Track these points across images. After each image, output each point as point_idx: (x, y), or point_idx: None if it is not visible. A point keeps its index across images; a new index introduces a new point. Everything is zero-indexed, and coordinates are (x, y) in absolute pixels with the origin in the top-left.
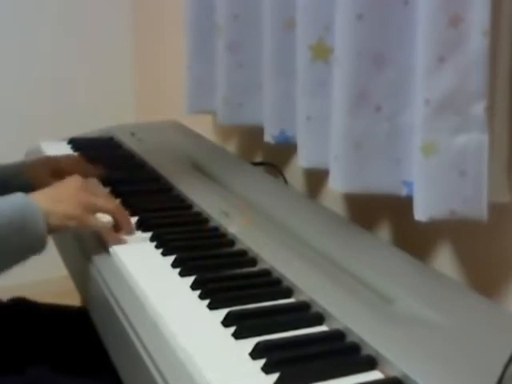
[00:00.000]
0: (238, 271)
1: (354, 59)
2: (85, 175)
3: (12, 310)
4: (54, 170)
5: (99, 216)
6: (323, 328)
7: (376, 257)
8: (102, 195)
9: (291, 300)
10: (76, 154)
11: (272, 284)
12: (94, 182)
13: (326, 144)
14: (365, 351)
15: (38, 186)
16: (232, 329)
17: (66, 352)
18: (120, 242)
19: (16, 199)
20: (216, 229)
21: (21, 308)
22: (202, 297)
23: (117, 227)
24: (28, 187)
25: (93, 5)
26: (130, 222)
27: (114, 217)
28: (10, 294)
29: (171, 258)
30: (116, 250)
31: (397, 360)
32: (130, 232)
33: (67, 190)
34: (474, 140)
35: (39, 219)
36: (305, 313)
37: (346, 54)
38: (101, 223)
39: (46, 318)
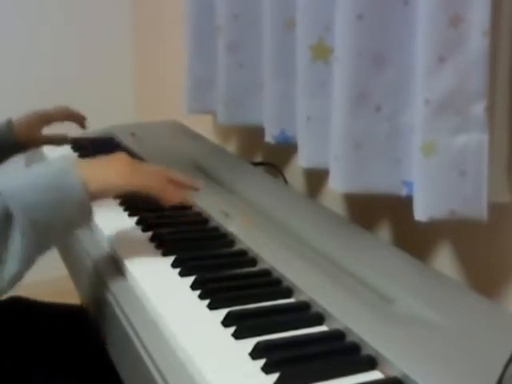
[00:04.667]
0: (238, 271)
1: (354, 59)
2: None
3: (11, 308)
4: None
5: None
6: (323, 328)
7: (376, 257)
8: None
9: (291, 300)
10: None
11: (272, 284)
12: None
13: (326, 144)
14: (365, 351)
15: (31, 144)
16: (232, 329)
17: (65, 351)
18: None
19: (55, 166)
20: (216, 229)
21: (19, 307)
22: (202, 297)
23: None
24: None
25: (93, 5)
26: (189, 180)
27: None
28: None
29: (171, 258)
30: (116, 250)
31: (397, 360)
32: (198, 186)
33: (114, 162)
34: (474, 140)
35: (75, 187)
36: (305, 313)
37: (346, 53)
38: (148, 181)
39: (45, 317)
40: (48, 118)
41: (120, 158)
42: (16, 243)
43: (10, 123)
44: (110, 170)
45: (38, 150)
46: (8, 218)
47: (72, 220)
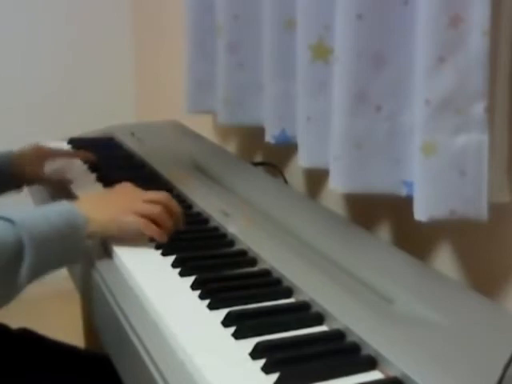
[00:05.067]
0: (238, 271)
1: (353, 59)
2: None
3: (19, 341)
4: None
5: None
6: (323, 328)
7: (376, 257)
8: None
9: (291, 300)
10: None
11: (272, 284)
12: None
13: (326, 144)
14: (365, 351)
15: (29, 177)
16: (232, 329)
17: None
18: (160, 235)
19: (62, 207)
20: (216, 229)
21: (27, 341)
22: (202, 297)
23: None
24: (19, 178)
25: (93, 5)
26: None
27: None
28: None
29: (171, 258)
30: (116, 250)
31: (397, 360)
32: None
33: (115, 197)
34: (474, 140)
35: (80, 226)
36: (305, 313)
37: (345, 54)
38: (138, 219)
39: (51, 355)
40: (51, 154)
41: (121, 191)
42: (22, 280)
43: (8, 154)
44: (110, 208)
45: (42, 187)
46: (20, 251)
47: (67, 253)
